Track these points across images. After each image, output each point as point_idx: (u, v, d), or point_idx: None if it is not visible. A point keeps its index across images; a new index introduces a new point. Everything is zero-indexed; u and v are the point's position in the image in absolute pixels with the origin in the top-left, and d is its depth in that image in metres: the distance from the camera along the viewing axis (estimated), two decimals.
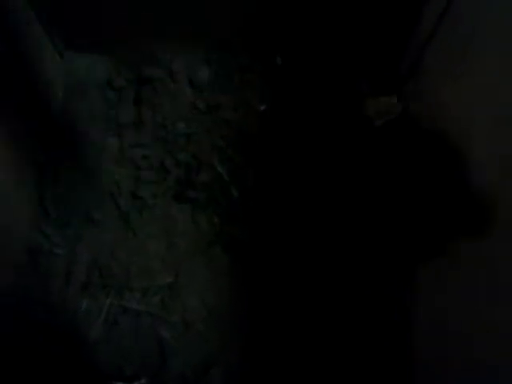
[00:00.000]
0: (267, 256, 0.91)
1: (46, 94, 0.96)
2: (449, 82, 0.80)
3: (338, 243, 0.91)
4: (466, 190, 0.71)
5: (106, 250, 0.90)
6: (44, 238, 0.92)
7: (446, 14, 0.78)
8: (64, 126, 0.99)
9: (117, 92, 1.01)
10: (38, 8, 0.88)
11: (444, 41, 0.82)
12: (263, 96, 0.98)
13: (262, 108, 0.98)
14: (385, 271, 0.88)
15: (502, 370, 0.60)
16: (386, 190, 0.93)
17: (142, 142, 0.99)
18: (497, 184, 0.67)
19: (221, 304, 0.88)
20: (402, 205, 0.90)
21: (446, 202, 0.78)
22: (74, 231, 0.92)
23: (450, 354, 0.73)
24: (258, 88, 0.98)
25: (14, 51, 0.83)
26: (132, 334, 0.86)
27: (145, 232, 0.92)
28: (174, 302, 0.88)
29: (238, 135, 0.98)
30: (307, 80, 0.97)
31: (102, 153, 0.97)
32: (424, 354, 0.81)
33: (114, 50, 1.00)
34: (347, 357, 0.85)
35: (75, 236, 0.91)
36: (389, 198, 0.92)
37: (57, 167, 0.95)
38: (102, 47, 1.00)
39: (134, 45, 1.00)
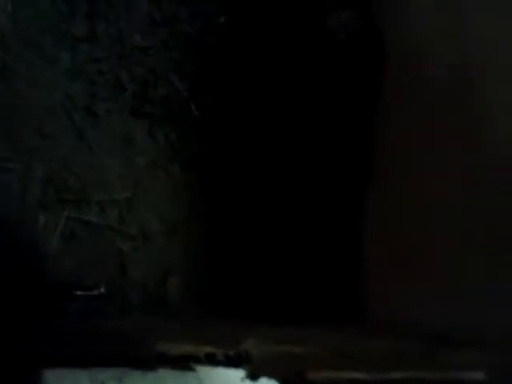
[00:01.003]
0: (226, 173, 0.92)
1: None
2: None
3: (295, 162, 0.93)
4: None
5: (61, 164, 0.90)
6: None
7: None
8: (13, 37, 0.95)
9: (69, 4, 0.98)
10: None
11: None
12: (223, 7, 0.96)
13: (222, 20, 0.96)
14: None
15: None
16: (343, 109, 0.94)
17: (96, 57, 0.96)
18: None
19: (180, 218, 0.90)
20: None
21: None
22: (26, 145, 0.90)
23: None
24: None
25: None
26: (91, 246, 0.88)
27: (101, 147, 0.91)
28: (133, 216, 0.89)
29: (197, 49, 0.97)
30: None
31: (55, 67, 0.95)
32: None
33: None
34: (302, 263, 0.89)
35: (28, 150, 0.90)
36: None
37: (6, 77, 0.92)
38: None
39: None
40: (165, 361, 0.53)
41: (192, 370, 0.57)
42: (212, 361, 0.53)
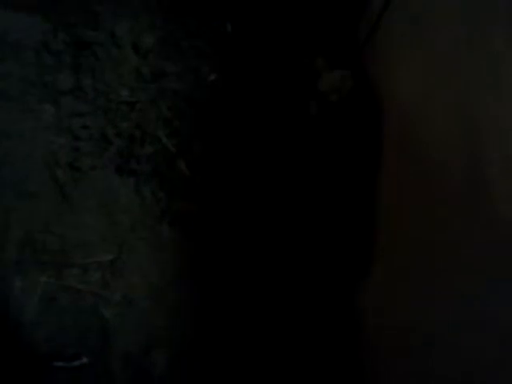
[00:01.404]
0: (215, 233, 0.89)
1: None
2: (400, 57, 0.82)
3: (287, 220, 0.91)
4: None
5: (41, 224, 0.86)
6: None
7: None
8: None
9: (54, 56, 0.96)
10: None
11: (394, 18, 0.83)
12: (212, 65, 0.96)
13: (212, 78, 0.96)
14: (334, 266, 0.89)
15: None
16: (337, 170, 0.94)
17: (81, 111, 0.94)
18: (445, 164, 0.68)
19: (165, 282, 0.86)
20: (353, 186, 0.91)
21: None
22: (5, 204, 0.86)
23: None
24: (206, 56, 0.96)
25: None
26: (71, 312, 0.83)
27: (83, 205, 0.88)
28: (116, 280, 0.85)
29: (185, 106, 0.95)
30: (259, 50, 0.95)
31: (39, 121, 0.92)
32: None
33: (51, 9, 0.94)
34: (293, 341, 0.85)
35: (7, 209, 0.86)
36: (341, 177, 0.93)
37: None
38: (38, 6, 0.94)
39: (73, 5, 0.95)
40: None
41: None
42: None
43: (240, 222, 0.90)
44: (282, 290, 0.86)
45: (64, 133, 0.93)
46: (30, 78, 0.94)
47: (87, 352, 0.80)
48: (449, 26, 0.67)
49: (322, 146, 0.93)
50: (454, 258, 0.61)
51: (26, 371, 0.79)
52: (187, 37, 0.96)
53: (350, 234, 0.88)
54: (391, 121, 0.85)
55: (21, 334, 0.80)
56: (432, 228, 0.66)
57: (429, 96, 0.72)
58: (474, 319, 0.56)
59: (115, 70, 0.96)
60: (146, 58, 0.96)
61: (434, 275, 0.65)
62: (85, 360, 0.79)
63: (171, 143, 0.94)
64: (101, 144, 0.93)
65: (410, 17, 0.77)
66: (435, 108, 0.70)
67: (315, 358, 0.83)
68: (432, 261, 0.65)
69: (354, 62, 0.95)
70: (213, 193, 0.91)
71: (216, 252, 0.88)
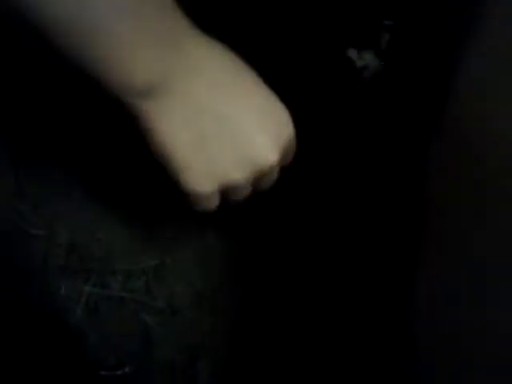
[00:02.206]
0: (263, 239, 0.86)
1: None
2: None
3: (338, 229, 0.87)
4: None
5: (86, 230, 0.86)
6: (20, 218, 0.87)
7: None
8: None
9: None
10: None
11: None
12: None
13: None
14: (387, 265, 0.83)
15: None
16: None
17: None
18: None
19: (211, 289, 0.84)
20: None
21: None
22: (51, 210, 0.87)
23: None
24: None
25: None
26: (115, 320, 0.82)
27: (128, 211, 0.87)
28: (160, 287, 0.84)
29: None
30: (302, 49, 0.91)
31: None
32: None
33: None
34: (343, 348, 0.81)
35: (53, 215, 0.87)
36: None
37: (34, 139, 0.90)
38: None
39: None
40: None
41: None
42: None
43: (289, 224, 0.86)
44: (333, 295, 0.82)
45: None
46: None
47: (130, 361, 0.79)
48: None
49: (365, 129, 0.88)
50: None
51: (72, 380, 0.79)
52: None
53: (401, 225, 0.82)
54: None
55: (65, 342, 0.81)
56: None
57: None
58: None
59: None
60: None
61: None
62: (127, 369, 0.78)
63: None
64: None
65: None
66: None
67: (365, 361, 0.79)
68: None
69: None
70: (260, 196, 0.88)
71: (262, 258, 0.85)
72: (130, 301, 0.82)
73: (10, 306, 0.82)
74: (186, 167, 0.48)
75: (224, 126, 0.47)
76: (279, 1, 0.89)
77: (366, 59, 0.90)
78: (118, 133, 0.88)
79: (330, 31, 0.90)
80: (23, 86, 0.87)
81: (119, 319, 0.82)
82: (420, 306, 0.78)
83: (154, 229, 0.87)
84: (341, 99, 0.89)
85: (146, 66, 0.43)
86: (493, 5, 0.64)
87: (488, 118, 0.63)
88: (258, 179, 0.57)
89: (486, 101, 0.65)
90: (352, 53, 0.89)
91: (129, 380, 0.78)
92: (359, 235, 0.85)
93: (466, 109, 0.70)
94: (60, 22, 0.41)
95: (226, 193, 0.57)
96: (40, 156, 0.88)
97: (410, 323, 0.78)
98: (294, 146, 0.57)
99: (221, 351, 0.79)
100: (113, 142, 0.90)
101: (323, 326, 0.81)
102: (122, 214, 0.88)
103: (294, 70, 0.90)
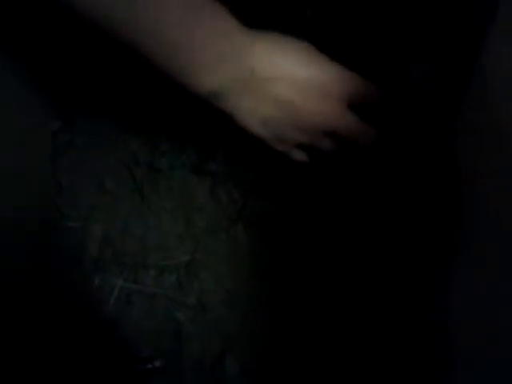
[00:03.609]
0: (293, 237, 0.86)
1: None
2: None
3: (376, 226, 0.85)
4: None
5: (120, 225, 0.88)
6: (56, 211, 0.90)
7: None
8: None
9: None
10: None
11: None
12: None
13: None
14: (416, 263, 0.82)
15: None
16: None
17: None
18: None
19: (241, 286, 0.85)
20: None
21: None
22: (86, 203, 0.90)
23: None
24: None
25: None
26: (147, 314, 0.84)
27: (161, 206, 0.89)
28: (191, 283, 0.85)
29: None
30: (339, 37, 0.89)
31: (119, 120, 0.94)
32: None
33: None
34: (371, 349, 0.80)
35: (88, 208, 0.89)
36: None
37: (70, 135, 0.93)
38: None
39: None
40: None
41: None
42: None
43: (317, 220, 0.85)
44: (361, 290, 0.81)
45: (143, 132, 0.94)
46: None
47: (160, 356, 0.81)
48: None
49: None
50: None
51: (104, 372, 0.82)
52: None
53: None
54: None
55: (97, 333, 0.83)
56: None
57: None
58: None
59: None
60: None
61: None
62: (157, 364, 0.80)
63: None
64: (179, 143, 0.93)
65: None
66: None
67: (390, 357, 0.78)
68: None
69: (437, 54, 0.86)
70: (292, 195, 0.88)
71: (292, 256, 0.85)
72: (161, 296, 0.84)
73: (45, 296, 0.85)
74: (262, 138, 0.68)
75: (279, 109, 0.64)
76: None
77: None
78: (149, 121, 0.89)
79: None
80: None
81: (151, 314, 0.84)
82: (455, 309, 0.76)
83: (186, 224, 0.89)
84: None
85: (204, 77, 0.60)
86: None
87: None
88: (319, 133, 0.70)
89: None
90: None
91: (159, 374, 0.80)
92: (388, 231, 0.84)
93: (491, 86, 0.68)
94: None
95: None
96: (74, 151, 0.91)
97: (445, 328, 0.77)
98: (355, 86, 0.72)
99: (249, 349, 0.80)
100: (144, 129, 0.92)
101: (352, 329, 0.80)
102: (155, 210, 0.89)
103: None
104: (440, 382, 0.76)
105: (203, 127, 0.92)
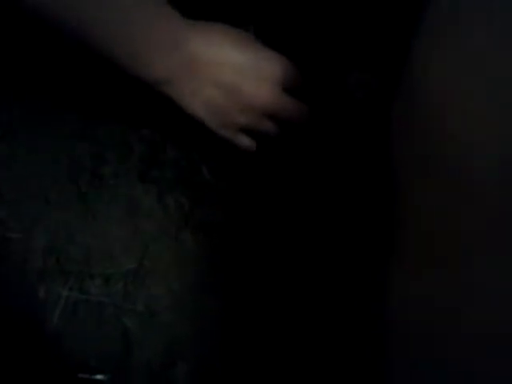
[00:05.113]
0: (240, 242, 0.89)
1: None
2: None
3: (315, 230, 0.89)
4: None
5: (64, 234, 0.88)
6: None
7: None
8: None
9: None
10: None
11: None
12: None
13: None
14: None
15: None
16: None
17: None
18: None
19: (189, 292, 0.87)
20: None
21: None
22: (29, 214, 0.89)
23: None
24: None
25: None
26: (94, 323, 0.85)
27: (106, 214, 0.89)
28: (138, 290, 0.86)
29: None
30: (283, 49, 0.93)
31: (62, 127, 0.94)
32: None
33: None
34: (322, 351, 0.84)
35: (31, 219, 0.89)
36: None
37: (11, 147, 0.92)
38: None
39: None
40: None
41: None
42: None
43: (264, 229, 0.89)
44: (307, 298, 0.85)
45: (87, 138, 0.94)
46: None
47: (109, 364, 0.82)
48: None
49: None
50: None
51: (51, 382, 0.82)
52: None
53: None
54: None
55: (45, 343, 0.83)
56: None
57: None
58: None
59: None
60: None
61: None
62: (106, 372, 0.81)
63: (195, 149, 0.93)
64: (123, 150, 0.94)
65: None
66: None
67: (338, 359, 0.82)
68: None
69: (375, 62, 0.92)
70: (237, 200, 0.91)
71: (240, 261, 0.87)
72: (109, 304, 0.85)
73: None
74: (207, 123, 0.73)
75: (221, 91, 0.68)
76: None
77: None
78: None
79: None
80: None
81: (98, 322, 0.84)
82: (392, 302, 0.81)
83: (133, 232, 0.90)
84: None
85: (150, 65, 0.64)
86: None
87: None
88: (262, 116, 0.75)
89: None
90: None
91: (107, 382, 0.81)
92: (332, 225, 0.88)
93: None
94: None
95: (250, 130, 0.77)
96: (15, 161, 0.90)
97: (381, 320, 0.81)
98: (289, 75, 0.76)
99: (199, 354, 0.82)
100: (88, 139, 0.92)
101: (304, 326, 0.84)
102: (100, 218, 0.90)
103: None
104: (377, 371, 0.81)
105: (148, 134, 0.94)
